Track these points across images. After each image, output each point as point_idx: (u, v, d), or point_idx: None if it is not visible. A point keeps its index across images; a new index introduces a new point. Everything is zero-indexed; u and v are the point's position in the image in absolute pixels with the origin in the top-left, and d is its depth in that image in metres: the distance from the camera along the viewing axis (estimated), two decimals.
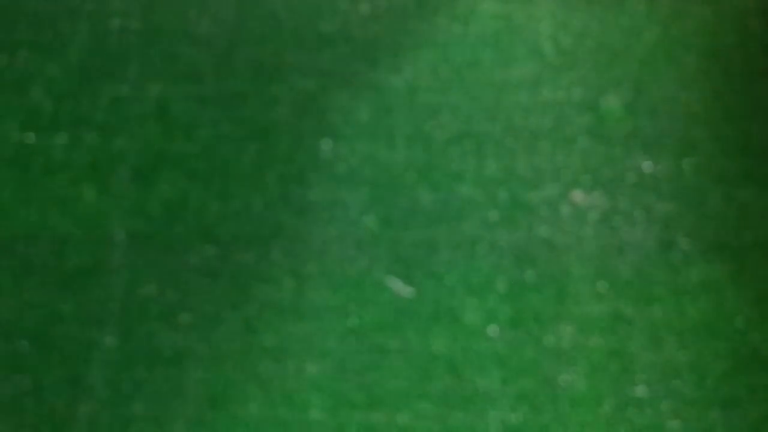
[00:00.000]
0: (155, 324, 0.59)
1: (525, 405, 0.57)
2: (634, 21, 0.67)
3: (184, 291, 0.60)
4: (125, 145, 0.64)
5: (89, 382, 0.57)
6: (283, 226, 0.61)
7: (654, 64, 0.65)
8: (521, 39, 0.66)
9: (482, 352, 0.57)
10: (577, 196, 0.61)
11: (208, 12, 0.67)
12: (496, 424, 0.57)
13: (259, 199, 0.62)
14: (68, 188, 0.62)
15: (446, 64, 0.65)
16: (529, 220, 0.60)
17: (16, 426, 0.56)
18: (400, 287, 0.55)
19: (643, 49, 0.66)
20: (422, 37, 0.66)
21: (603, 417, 0.57)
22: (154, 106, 0.65)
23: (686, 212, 0.61)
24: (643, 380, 0.57)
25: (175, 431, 0.56)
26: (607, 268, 0.60)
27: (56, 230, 0.61)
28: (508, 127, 0.63)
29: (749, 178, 0.62)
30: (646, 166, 0.62)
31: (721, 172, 0.62)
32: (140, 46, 0.66)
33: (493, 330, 0.58)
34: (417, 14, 0.67)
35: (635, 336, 0.58)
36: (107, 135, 0.64)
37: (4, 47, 0.67)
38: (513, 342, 0.58)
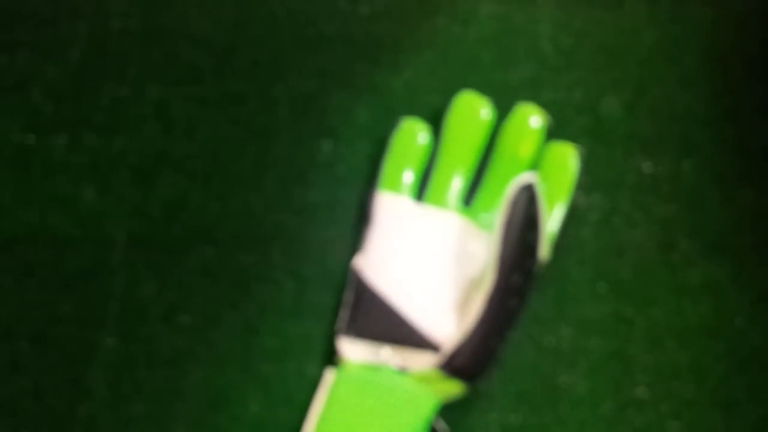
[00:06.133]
0: (155, 325, 0.59)
1: (525, 406, 0.57)
2: (634, 22, 0.67)
3: (183, 292, 0.60)
4: (125, 146, 0.64)
5: (89, 383, 0.58)
6: (283, 227, 0.61)
7: (654, 65, 0.65)
8: (521, 40, 0.66)
9: None
10: (577, 197, 0.61)
11: (208, 13, 0.67)
12: (496, 424, 0.57)
13: (259, 200, 0.62)
14: (68, 189, 0.63)
15: (446, 65, 0.65)
16: None
17: (16, 426, 0.57)
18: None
19: (643, 50, 0.66)
20: (422, 38, 0.66)
21: (603, 418, 0.57)
22: (154, 106, 0.65)
23: (686, 213, 0.61)
24: (643, 381, 0.57)
25: None
26: (606, 269, 0.60)
27: (56, 231, 0.61)
28: None
29: (749, 178, 0.62)
30: (646, 167, 0.63)
31: (721, 172, 0.62)
32: (140, 47, 0.66)
33: None
34: (417, 15, 0.67)
35: (635, 337, 0.58)
36: (107, 136, 0.64)
37: (5, 48, 0.67)
38: (513, 343, 0.58)
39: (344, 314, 0.58)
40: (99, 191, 0.62)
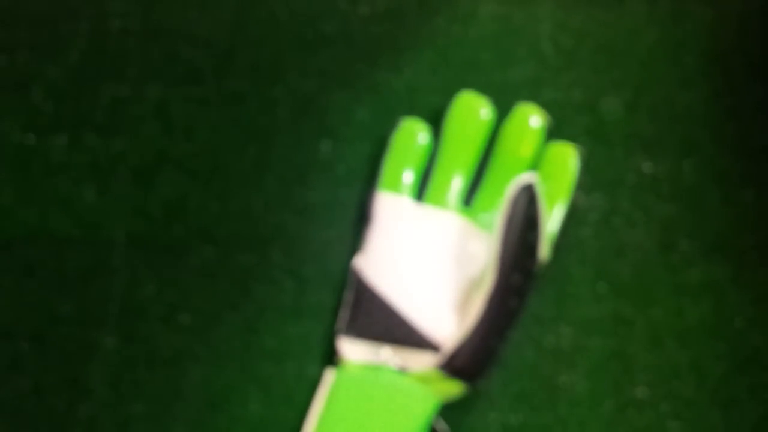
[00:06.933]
0: (155, 325, 0.59)
1: (525, 406, 0.57)
2: (634, 22, 0.67)
3: (183, 292, 0.60)
4: (125, 146, 0.64)
5: (89, 383, 0.58)
6: (283, 227, 0.61)
7: (654, 64, 0.65)
8: (521, 40, 0.66)
9: None
10: (577, 197, 0.61)
11: (208, 13, 0.67)
12: (496, 424, 0.57)
13: (259, 200, 0.62)
14: (68, 189, 0.63)
15: (446, 65, 0.65)
16: None
17: (16, 426, 0.57)
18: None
19: (643, 50, 0.66)
20: (422, 38, 0.66)
21: (603, 418, 0.57)
22: (154, 106, 0.65)
23: (686, 213, 0.61)
24: (643, 381, 0.57)
25: None
26: (607, 269, 0.60)
27: (56, 231, 0.61)
28: None
29: (749, 178, 0.62)
30: (646, 166, 0.63)
31: (721, 172, 0.62)
32: (140, 47, 0.66)
33: None
34: (417, 15, 0.67)
35: (635, 337, 0.58)
36: (107, 136, 0.64)
37: (5, 48, 0.67)
38: (513, 343, 0.58)
39: (344, 314, 0.58)
40: (99, 191, 0.62)
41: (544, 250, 0.57)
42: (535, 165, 0.61)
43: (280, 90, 0.65)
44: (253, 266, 0.60)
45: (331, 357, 0.58)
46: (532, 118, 0.62)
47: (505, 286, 0.55)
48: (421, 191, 0.61)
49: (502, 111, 0.63)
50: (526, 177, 0.56)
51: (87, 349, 0.58)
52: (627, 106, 0.64)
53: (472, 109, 0.62)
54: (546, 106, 0.63)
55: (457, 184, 0.61)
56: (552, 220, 0.59)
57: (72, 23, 0.67)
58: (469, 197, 0.61)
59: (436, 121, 0.63)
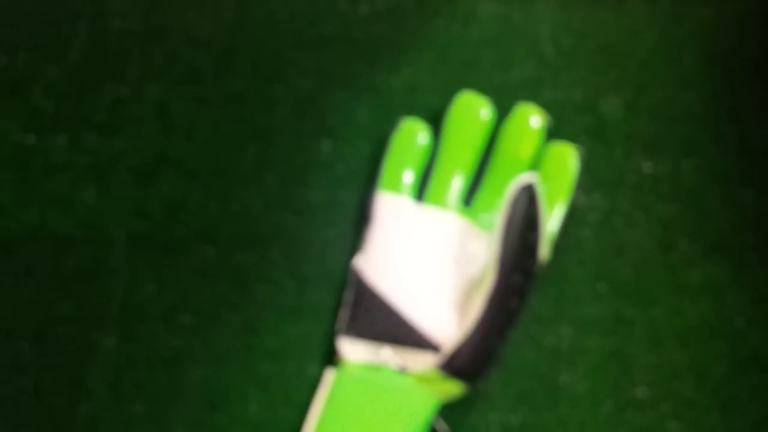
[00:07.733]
0: (155, 325, 0.59)
1: (525, 406, 0.57)
2: (634, 22, 0.67)
3: (183, 292, 0.60)
4: (125, 146, 0.64)
5: (89, 383, 0.58)
6: (283, 227, 0.61)
7: (654, 65, 0.65)
8: (521, 40, 0.66)
9: None
10: (577, 197, 0.61)
11: (208, 13, 0.67)
12: (496, 424, 0.57)
13: (259, 200, 0.62)
14: (68, 189, 0.63)
15: (446, 65, 0.65)
16: None
17: (16, 426, 0.57)
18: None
19: (643, 50, 0.66)
20: (422, 38, 0.66)
21: (603, 418, 0.57)
22: (154, 106, 0.65)
23: (686, 213, 0.61)
24: (643, 381, 0.57)
25: None
26: (606, 269, 0.60)
27: (56, 231, 0.61)
28: None
29: (749, 178, 0.62)
30: (646, 167, 0.63)
31: (721, 172, 0.62)
32: (140, 47, 0.66)
33: None
34: (417, 15, 0.67)
35: (635, 337, 0.58)
36: (107, 136, 0.64)
37: (5, 48, 0.67)
38: (513, 343, 0.58)
39: (344, 314, 0.58)
40: (99, 191, 0.62)
41: (544, 250, 0.57)
42: (535, 165, 0.61)
43: (280, 90, 0.65)
44: (253, 266, 0.60)
45: (331, 357, 0.58)
46: (532, 118, 0.62)
47: (505, 286, 0.55)
48: (421, 191, 0.61)
49: (502, 111, 0.63)
50: (526, 177, 0.56)
51: (87, 349, 0.58)
52: (627, 106, 0.64)
53: (472, 109, 0.62)
54: (546, 106, 0.63)
55: (457, 184, 0.61)
56: (552, 220, 0.59)
57: (72, 23, 0.67)
58: (469, 197, 0.61)
59: (436, 121, 0.63)
